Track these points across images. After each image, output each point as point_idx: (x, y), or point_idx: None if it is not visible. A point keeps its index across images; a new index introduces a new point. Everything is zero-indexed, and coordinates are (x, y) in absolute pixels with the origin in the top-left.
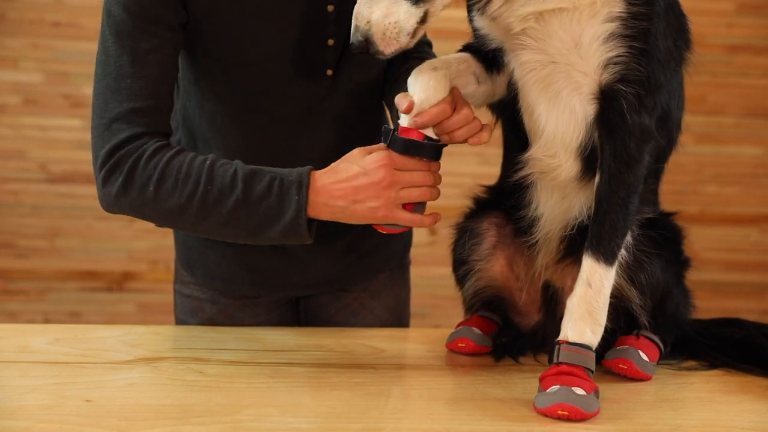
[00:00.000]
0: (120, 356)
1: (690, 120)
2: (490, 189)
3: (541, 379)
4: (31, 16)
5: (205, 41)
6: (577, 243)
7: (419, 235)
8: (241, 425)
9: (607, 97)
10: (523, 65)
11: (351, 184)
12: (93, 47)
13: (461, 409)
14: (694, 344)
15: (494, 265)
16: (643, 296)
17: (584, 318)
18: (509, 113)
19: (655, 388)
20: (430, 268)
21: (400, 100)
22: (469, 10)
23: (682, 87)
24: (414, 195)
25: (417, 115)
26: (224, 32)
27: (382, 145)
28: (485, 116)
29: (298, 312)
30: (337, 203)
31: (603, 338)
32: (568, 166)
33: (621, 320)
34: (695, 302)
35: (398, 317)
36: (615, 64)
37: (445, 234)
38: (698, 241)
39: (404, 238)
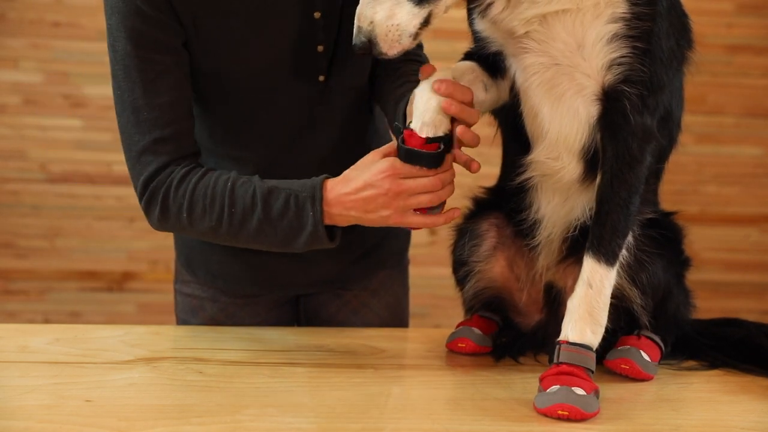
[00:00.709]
0: (120, 356)
1: (690, 120)
2: (489, 190)
3: (541, 379)
4: (31, 16)
5: (195, 56)
6: (579, 244)
7: (419, 236)
8: (241, 425)
9: (610, 98)
10: (526, 68)
11: (359, 195)
12: (93, 47)
13: (461, 409)
14: (694, 344)
15: (494, 266)
16: (645, 297)
17: (585, 318)
18: (510, 117)
19: (656, 388)
20: (430, 268)
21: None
22: (470, 13)
23: (682, 86)
24: (423, 200)
25: (442, 81)
26: (214, 46)
27: (393, 143)
28: (486, 119)
29: (298, 311)
30: (351, 213)
31: (604, 339)
32: (571, 168)
33: (622, 320)
34: (695, 302)
35: (398, 316)
36: (618, 65)
37: (446, 234)
38: (698, 241)
39: (403, 237)
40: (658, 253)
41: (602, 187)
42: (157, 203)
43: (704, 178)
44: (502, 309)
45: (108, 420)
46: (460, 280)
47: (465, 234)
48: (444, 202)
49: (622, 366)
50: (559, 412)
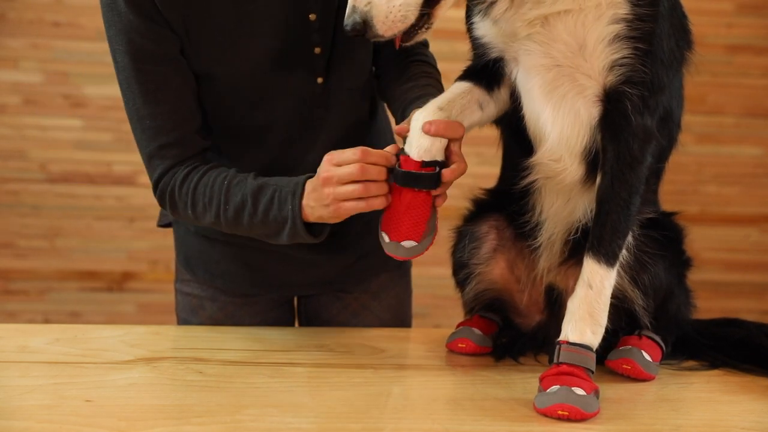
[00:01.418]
0: (120, 356)
1: (690, 120)
2: (489, 191)
3: (541, 379)
4: (31, 16)
5: (192, 60)
6: (581, 245)
7: None
8: (241, 425)
9: (611, 99)
10: (527, 71)
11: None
12: (93, 47)
13: (461, 409)
14: (694, 344)
15: (494, 268)
16: (647, 298)
17: (585, 319)
18: (511, 121)
19: (656, 388)
20: (430, 268)
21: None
22: (468, 18)
23: (682, 86)
24: (352, 191)
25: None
26: (206, 50)
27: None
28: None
29: (298, 312)
30: (317, 209)
31: (605, 339)
32: (572, 169)
33: (623, 321)
34: (695, 302)
35: (400, 318)
36: (620, 66)
37: (446, 235)
38: (698, 241)
39: None
40: (660, 254)
41: (603, 187)
42: (166, 201)
43: (704, 178)
44: (502, 310)
45: (108, 420)
46: (461, 283)
47: (465, 236)
48: (436, 228)
49: (624, 366)
50: (559, 412)
